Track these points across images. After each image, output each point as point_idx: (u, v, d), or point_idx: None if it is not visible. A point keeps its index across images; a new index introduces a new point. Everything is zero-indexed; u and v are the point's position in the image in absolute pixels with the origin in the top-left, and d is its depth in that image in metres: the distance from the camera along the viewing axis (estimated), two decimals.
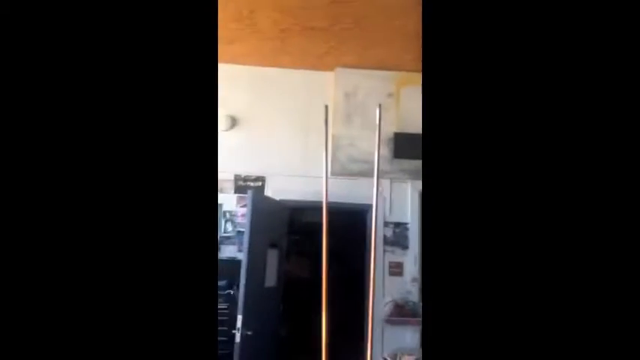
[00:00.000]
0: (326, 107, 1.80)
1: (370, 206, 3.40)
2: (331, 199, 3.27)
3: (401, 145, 3.36)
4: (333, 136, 3.37)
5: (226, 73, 3.35)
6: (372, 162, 3.54)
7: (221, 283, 3.02)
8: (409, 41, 3.06)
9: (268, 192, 3.35)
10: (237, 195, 3.33)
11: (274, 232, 3.14)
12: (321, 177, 3.49)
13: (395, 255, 3.35)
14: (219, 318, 2.80)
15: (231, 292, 2.97)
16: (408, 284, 3.29)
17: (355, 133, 3.35)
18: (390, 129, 3.39)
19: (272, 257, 3.06)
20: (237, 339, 2.54)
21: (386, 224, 3.38)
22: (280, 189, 3.34)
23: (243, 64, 3.44)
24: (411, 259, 3.33)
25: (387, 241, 3.36)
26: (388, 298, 3.19)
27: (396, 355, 2.39)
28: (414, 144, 3.36)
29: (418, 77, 3.51)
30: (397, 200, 3.42)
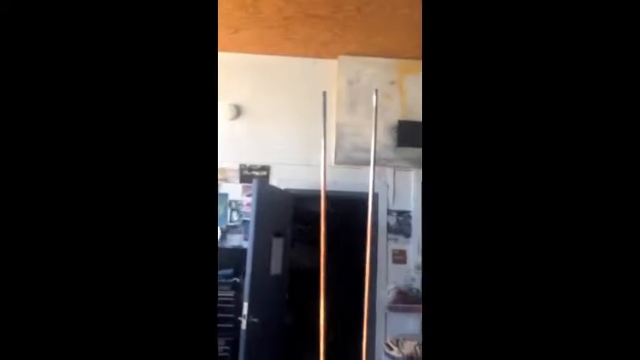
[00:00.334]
0: (324, 93, 1.80)
1: (374, 194, 3.42)
2: (336, 188, 3.29)
3: (405, 134, 3.36)
4: (337, 125, 3.38)
5: (231, 62, 3.35)
6: (377, 151, 3.55)
7: (227, 271, 3.06)
8: (413, 29, 3.04)
9: (273, 181, 3.37)
10: (242, 184, 3.36)
11: (279, 220, 3.16)
12: (326, 166, 3.51)
13: (398, 243, 3.37)
14: (225, 305, 2.85)
15: (237, 280, 3.01)
16: (411, 271, 3.32)
17: (359, 121, 3.35)
18: (394, 117, 3.38)
19: (277, 246, 3.09)
20: (244, 326, 2.59)
21: (389, 212, 3.41)
22: (285, 178, 3.36)
23: (248, 52, 3.43)
24: (414, 247, 3.36)
25: (390, 229, 3.38)
26: (391, 285, 3.23)
27: (397, 340, 2.43)
28: (418, 132, 3.36)
29: (420, 65, 3.48)
30: (401, 188, 3.44)
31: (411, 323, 3.21)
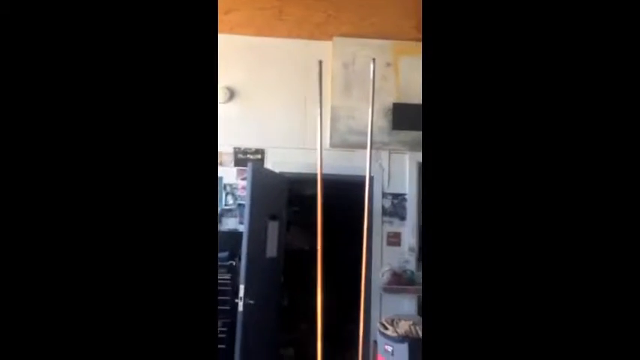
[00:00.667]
0: (320, 62, 1.78)
1: (370, 178, 3.43)
2: (331, 171, 3.29)
3: (399, 116, 3.35)
4: (331, 108, 3.36)
5: (223, 43, 3.28)
6: (372, 134, 3.53)
7: (223, 254, 3.07)
8: (408, 10, 3.00)
9: (268, 164, 3.36)
10: (237, 168, 3.35)
11: (274, 204, 3.17)
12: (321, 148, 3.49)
13: (393, 225, 3.40)
14: (221, 288, 2.87)
15: (233, 263, 3.02)
16: (405, 254, 3.36)
17: (354, 104, 3.33)
18: (389, 99, 3.37)
19: (273, 229, 3.10)
20: (240, 308, 2.61)
21: (384, 195, 3.42)
22: (280, 161, 3.35)
23: (240, 34, 3.38)
24: (409, 230, 3.39)
25: (385, 212, 3.40)
26: (386, 267, 3.26)
27: (392, 320, 2.47)
28: (413, 115, 3.35)
29: (417, 47, 3.46)
30: (395, 171, 3.44)
31: (406, 304, 3.26)
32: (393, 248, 3.37)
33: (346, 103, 3.35)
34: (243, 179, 3.25)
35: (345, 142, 3.33)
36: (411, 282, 3.22)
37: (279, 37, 3.44)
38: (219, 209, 3.29)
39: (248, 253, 2.69)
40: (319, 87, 1.79)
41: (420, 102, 3.60)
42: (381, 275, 3.24)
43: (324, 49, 3.45)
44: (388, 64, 3.41)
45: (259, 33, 3.39)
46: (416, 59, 3.40)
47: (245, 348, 2.61)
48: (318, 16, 3.12)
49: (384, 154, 3.43)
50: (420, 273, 3.27)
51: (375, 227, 3.37)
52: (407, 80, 3.40)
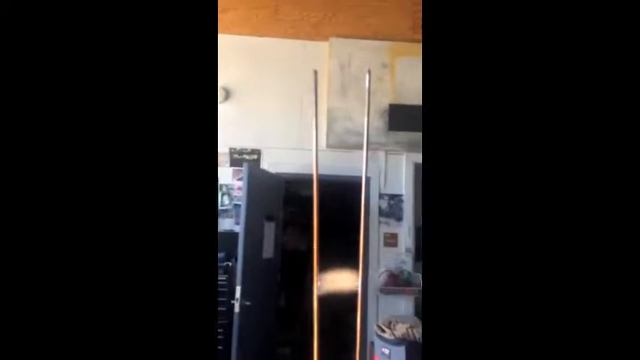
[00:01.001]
0: (315, 72, 1.77)
1: (367, 178, 3.42)
2: (328, 172, 3.28)
3: (396, 117, 3.35)
4: (328, 108, 3.35)
5: (219, 43, 3.28)
6: (368, 134, 3.52)
7: (219, 255, 3.06)
8: (404, 11, 3.00)
9: (264, 165, 3.35)
10: (232, 168, 3.33)
11: (271, 204, 3.16)
12: (318, 150, 3.49)
13: (390, 226, 3.39)
14: (218, 289, 2.86)
15: (230, 264, 3.01)
16: (402, 255, 3.35)
17: (351, 105, 3.33)
18: (385, 100, 3.36)
19: (269, 229, 3.09)
20: (237, 309, 2.60)
21: (381, 196, 3.42)
22: (276, 161, 3.34)
23: (236, 33, 3.37)
24: (406, 230, 3.38)
25: (382, 213, 3.40)
26: (383, 268, 3.26)
27: (390, 322, 2.47)
28: (410, 116, 3.35)
29: (413, 48, 3.46)
30: (392, 172, 3.44)
31: (402, 305, 3.26)
32: (389, 249, 3.36)
33: (343, 104, 3.35)
34: (239, 180, 3.24)
35: (341, 143, 3.33)
36: (407, 283, 3.22)
37: (275, 37, 3.43)
38: (218, 210, 3.27)
39: (244, 254, 2.68)
40: (315, 96, 1.78)
41: (417, 103, 3.62)
42: (378, 276, 3.24)
43: (320, 49, 3.44)
44: (384, 65, 3.41)
45: (255, 33, 3.38)
46: (412, 60, 3.40)
47: (242, 349, 2.60)
48: (314, 16, 3.12)
49: (381, 155, 3.43)
50: (417, 274, 3.27)
51: (372, 228, 3.37)
52: (403, 81, 3.40)
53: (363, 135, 2.21)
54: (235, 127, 3.35)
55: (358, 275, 1.69)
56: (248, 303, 2.66)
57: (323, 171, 3.27)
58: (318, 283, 1.56)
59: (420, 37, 3.43)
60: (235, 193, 3.29)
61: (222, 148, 3.32)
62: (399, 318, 2.59)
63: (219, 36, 3.72)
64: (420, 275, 3.26)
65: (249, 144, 3.39)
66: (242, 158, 3.34)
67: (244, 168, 2.86)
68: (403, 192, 3.43)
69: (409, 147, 3.38)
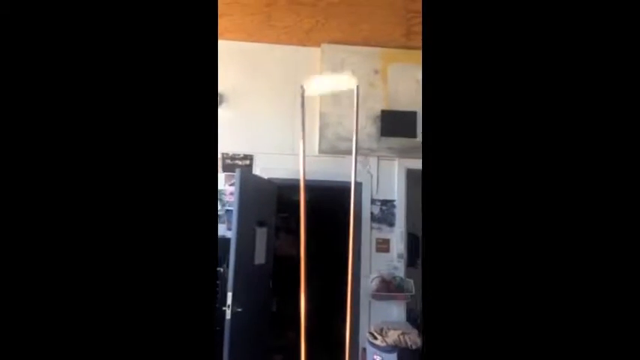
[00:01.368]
0: (302, 87, 1.79)
1: (359, 184, 3.43)
2: (320, 177, 3.29)
3: (388, 123, 3.36)
4: (320, 114, 3.36)
5: None
6: (360, 140, 3.54)
7: None
8: (396, 17, 3.03)
9: (256, 170, 3.34)
10: (225, 173, 3.32)
11: (263, 210, 3.15)
12: (309, 155, 3.49)
13: (382, 232, 3.39)
14: None
15: (221, 270, 2.99)
16: (394, 260, 3.36)
17: (343, 111, 3.34)
18: (377, 106, 3.38)
19: (261, 235, 3.08)
20: (228, 316, 2.58)
21: (373, 202, 3.42)
22: (268, 167, 3.34)
23: (229, 39, 3.37)
24: (398, 236, 3.39)
25: (374, 219, 3.40)
26: (375, 274, 3.25)
27: (382, 330, 2.46)
28: (401, 122, 3.37)
29: (405, 54, 3.49)
30: (384, 178, 3.45)
31: (394, 311, 3.25)
32: (381, 255, 3.36)
33: (335, 110, 3.36)
34: (231, 185, 3.22)
35: (333, 149, 3.33)
36: (400, 289, 3.22)
37: (268, 43, 3.44)
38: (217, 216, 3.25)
39: (236, 260, 2.66)
40: (302, 110, 1.79)
41: (409, 109, 3.63)
42: (370, 282, 3.23)
43: (313, 55, 3.46)
44: (376, 71, 3.43)
45: (249, 38, 3.39)
46: (404, 66, 3.42)
47: (233, 356, 2.57)
48: (307, 22, 3.13)
49: (373, 161, 3.44)
50: (409, 280, 3.27)
51: (364, 234, 3.37)
52: (395, 87, 3.42)
53: (353, 144, 2.21)
54: (228, 132, 3.34)
55: (348, 281, 1.68)
56: (239, 309, 2.64)
57: (315, 177, 3.29)
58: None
59: (411, 43, 3.47)
60: (227, 198, 3.28)
61: None
62: (391, 324, 2.59)
63: None
64: (412, 281, 3.26)
65: (241, 149, 3.38)
66: (234, 164, 3.33)
67: (237, 173, 2.85)
68: (395, 197, 3.44)
69: (401, 153, 3.39)
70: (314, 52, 3.45)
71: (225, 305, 2.60)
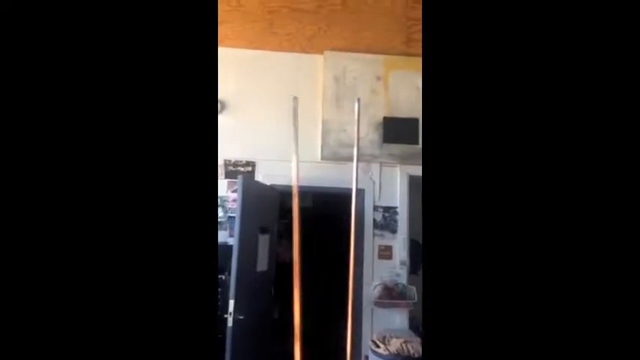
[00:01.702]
0: (294, 99, 1.79)
1: (360, 190, 3.42)
2: (322, 184, 3.28)
3: (390, 130, 3.37)
4: (322, 121, 3.36)
5: None
6: (362, 147, 3.55)
7: None
8: (398, 25, 3.04)
9: (259, 177, 3.34)
10: (227, 180, 3.32)
11: (265, 216, 3.14)
12: (312, 162, 3.49)
13: (384, 239, 3.38)
14: None
15: (223, 277, 2.98)
16: (397, 267, 3.34)
17: (345, 118, 3.34)
18: (380, 113, 3.38)
19: (263, 242, 3.07)
20: (230, 323, 2.56)
21: (375, 208, 3.41)
22: (271, 174, 3.34)
23: (232, 46, 3.39)
24: (400, 243, 3.37)
25: (376, 225, 3.39)
26: (377, 281, 3.24)
27: (384, 338, 2.44)
28: (404, 128, 3.37)
29: (407, 61, 3.50)
30: (386, 184, 3.44)
31: (397, 318, 3.23)
32: (384, 262, 3.35)
33: (337, 117, 3.36)
34: (233, 192, 3.22)
35: (335, 155, 3.33)
36: (402, 296, 3.20)
37: (270, 50, 3.45)
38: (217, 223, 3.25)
39: (238, 267, 2.65)
40: (294, 124, 1.80)
41: (410, 116, 3.63)
42: (372, 289, 3.21)
43: (315, 62, 3.47)
44: (378, 78, 3.44)
45: (251, 46, 3.41)
46: (406, 73, 3.43)
47: None
48: (309, 29, 3.15)
49: (375, 167, 3.43)
50: (412, 287, 3.25)
51: (366, 240, 3.36)
52: (397, 94, 3.43)
53: (354, 151, 2.21)
54: (230, 139, 3.35)
55: (349, 288, 1.67)
56: (241, 317, 2.62)
57: (318, 183, 3.29)
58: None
59: (411, 50, 3.48)
60: (230, 205, 3.27)
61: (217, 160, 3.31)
62: (394, 332, 2.57)
63: None
64: (415, 288, 3.24)
65: (243, 156, 3.38)
66: (237, 170, 3.34)
67: (239, 180, 2.85)
68: (397, 204, 3.43)
69: (403, 159, 3.39)
70: (316, 59, 3.47)
71: (227, 313, 2.59)
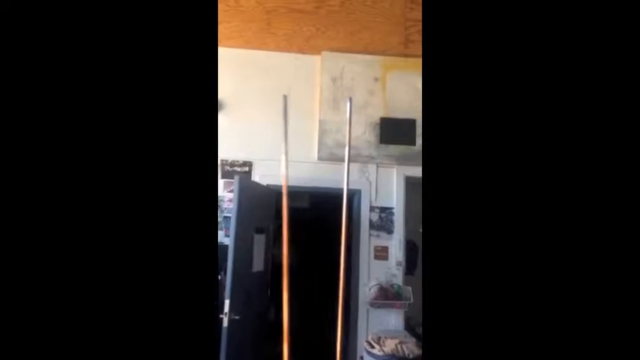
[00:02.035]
0: (284, 97, 1.80)
1: (357, 191, 3.43)
2: (318, 185, 3.29)
3: (387, 131, 3.37)
4: (319, 122, 3.36)
5: None
6: (359, 147, 3.55)
7: None
8: (395, 26, 3.04)
9: (255, 177, 3.34)
10: (223, 180, 3.32)
11: (261, 217, 3.14)
12: (308, 162, 3.49)
13: (380, 239, 3.38)
14: None
15: (219, 276, 2.98)
16: (393, 268, 3.34)
17: (342, 118, 3.34)
18: (377, 114, 3.39)
19: (259, 242, 3.07)
20: (225, 323, 2.56)
21: (372, 209, 3.41)
22: (267, 174, 3.33)
23: (228, 46, 3.38)
24: (396, 244, 3.38)
25: (372, 226, 3.39)
26: (373, 282, 3.24)
27: (379, 338, 2.44)
28: (401, 129, 3.37)
29: (404, 62, 3.51)
30: (383, 185, 3.45)
31: (393, 319, 3.24)
32: (380, 262, 3.35)
33: (334, 117, 3.36)
34: (229, 191, 3.22)
35: (332, 156, 3.33)
36: (398, 296, 3.21)
37: (268, 50, 3.45)
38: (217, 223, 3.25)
39: (234, 267, 2.65)
40: (284, 122, 1.80)
41: (407, 117, 3.63)
42: (368, 289, 3.22)
43: (312, 62, 3.47)
44: (376, 79, 3.44)
45: (248, 45, 3.40)
46: (403, 74, 3.44)
47: None
48: (307, 30, 3.14)
49: (372, 168, 3.43)
50: (408, 287, 3.26)
51: (363, 241, 3.36)
52: (394, 95, 3.43)
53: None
54: (227, 139, 3.35)
55: (340, 289, 1.68)
56: (237, 317, 2.62)
57: (315, 184, 3.29)
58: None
59: (409, 51, 3.48)
60: (226, 205, 3.27)
61: None
62: (389, 333, 2.58)
63: None
64: (410, 289, 3.25)
65: (240, 156, 3.38)
66: (233, 170, 3.33)
67: (235, 180, 2.85)
68: (394, 205, 3.43)
69: (400, 160, 3.39)
70: (314, 60, 3.47)
71: (222, 313, 2.59)
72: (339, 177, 3.21)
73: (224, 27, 3.12)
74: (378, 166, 3.44)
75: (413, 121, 3.37)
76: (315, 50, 3.42)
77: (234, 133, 3.38)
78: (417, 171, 3.33)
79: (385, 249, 3.37)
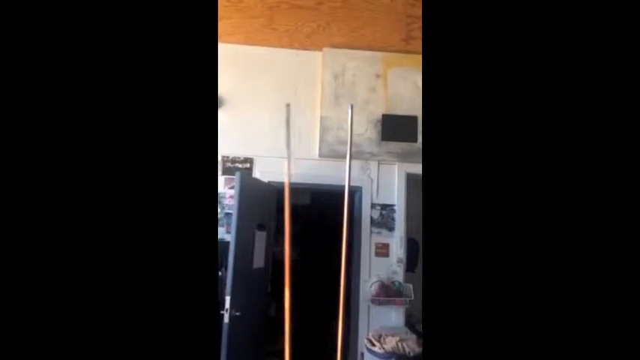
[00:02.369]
0: (287, 106, 1.79)
1: (359, 188, 3.42)
2: (320, 181, 3.28)
3: (389, 127, 3.36)
4: (321, 118, 3.36)
5: None
6: (360, 144, 3.54)
7: None
8: (397, 22, 3.03)
9: (256, 173, 3.34)
10: (225, 176, 3.32)
11: (262, 213, 3.14)
12: (310, 159, 3.48)
13: (381, 236, 3.38)
14: None
15: (220, 273, 2.98)
16: (393, 265, 3.34)
17: (343, 115, 3.33)
18: (378, 111, 3.38)
19: (260, 239, 3.07)
20: (226, 319, 2.57)
21: (373, 206, 3.41)
22: (268, 170, 3.33)
23: (229, 42, 3.37)
24: (397, 241, 3.38)
25: (373, 223, 3.39)
26: (374, 279, 3.24)
27: (380, 336, 2.44)
28: (402, 126, 3.36)
29: (406, 58, 3.49)
30: (384, 182, 3.44)
31: (393, 316, 3.24)
32: (381, 259, 3.35)
33: (335, 114, 3.35)
34: (231, 188, 3.22)
35: (334, 153, 3.33)
36: (399, 293, 3.21)
37: (269, 47, 3.44)
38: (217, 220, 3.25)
39: (235, 264, 2.65)
40: (287, 130, 1.80)
41: (409, 113, 3.61)
42: (369, 286, 3.22)
43: (314, 59, 3.46)
44: (377, 76, 3.43)
45: (249, 42, 3.39)
46: (405, 71, 3.42)
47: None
48: (308, 26, 3.13)
49: (373, 165, 3.43)
50: (408, 284, 3.26)
51: (364, 238, 3.36)
52: (396, 92, 3.42)
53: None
54: (228, 135, 3.34)
55: (341, 285, 1.68)
56: (238, 313, 2.63)
57: (316, 180, 3.29)
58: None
59: (410, 48, 3.47)
60: (227, 201, 3.27)
61: None
62: (389, 330, 2.58)
63: None
64: (411, 286, 3.25)
65: (241, 152, 3.38)
66: (234, 166, 3.33)
67: (236, 177, 2.84)
68: (395, 202, 3.43)
69: (401, 157, 3.39)
70: (315, 56, 3.45)
71: (223, 309, 2.59)
72: (341, 174, 3.21)
73: (225, 23, 3.11)
74: (379, 163, 3.44)
75: (414, 118, 3.36)
76: (317, 46, 3.40)
77: (235, 129, 3.38)
78: (418, 168, 3.33)
79: (386, 246, 3.37)
